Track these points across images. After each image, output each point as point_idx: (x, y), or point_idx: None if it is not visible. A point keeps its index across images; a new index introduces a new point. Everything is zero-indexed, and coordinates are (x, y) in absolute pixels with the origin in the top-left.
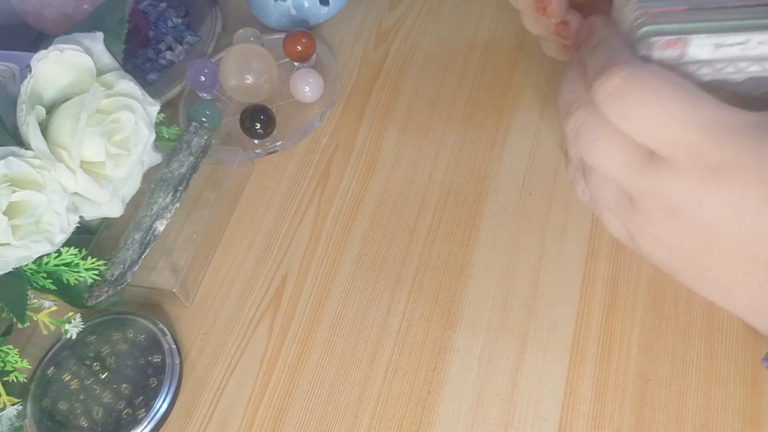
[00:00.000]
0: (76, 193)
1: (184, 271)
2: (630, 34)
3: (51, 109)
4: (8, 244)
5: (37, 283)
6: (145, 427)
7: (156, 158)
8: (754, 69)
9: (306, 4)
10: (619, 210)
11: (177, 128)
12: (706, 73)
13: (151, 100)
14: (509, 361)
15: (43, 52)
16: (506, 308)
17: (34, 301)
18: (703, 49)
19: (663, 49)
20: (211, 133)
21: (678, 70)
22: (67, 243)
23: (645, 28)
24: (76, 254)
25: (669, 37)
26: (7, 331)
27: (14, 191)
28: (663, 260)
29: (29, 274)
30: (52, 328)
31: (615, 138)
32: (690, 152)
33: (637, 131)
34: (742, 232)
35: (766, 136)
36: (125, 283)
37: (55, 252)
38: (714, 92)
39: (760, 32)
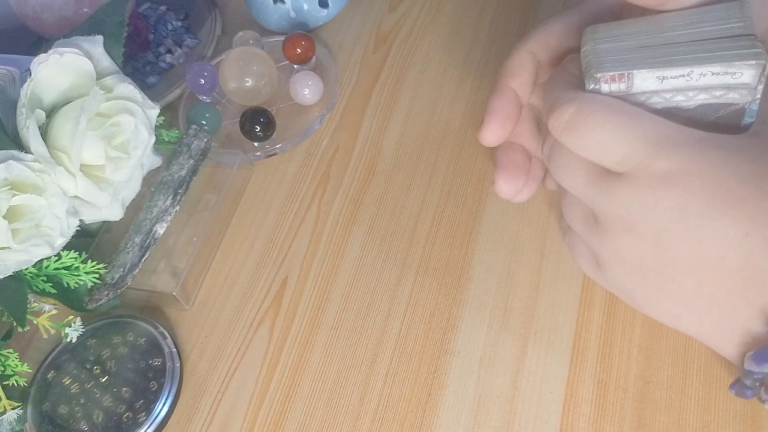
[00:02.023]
0: (76, 197)
1: (184, 274)
2: (584, 72)
3: (51, 112)
4: (8, 247)
5: (37, 287)
6: (146, 430)
7: (156, 161)
8: (703, 97)
9: (305, 7)
10: (587, 231)
11: (177, 131)
12: (657, 102)
13: (150, 103)
14: (510, 363)
15: (42, 55)
16: (507, 310)
17: (34, 304)
18: (648, 81)
19: (609, 84)
20: (211, 136)
21: (629, 100)
22: (67, 246)
23: (592, 70)
24: (76, 257)
25: (613, 73)
26: (7, 335)
27: (14, 195)
28: (625, 285)
29: (29, 278)
30: (52, 331)
31: (577, 161)
32: (638, 164)
33: (592, 155)
34: (690, 234)
35: (709, 149)
36: (125, 287)
37: (55, 255)
38: (669, 118)
39: (700, 65)
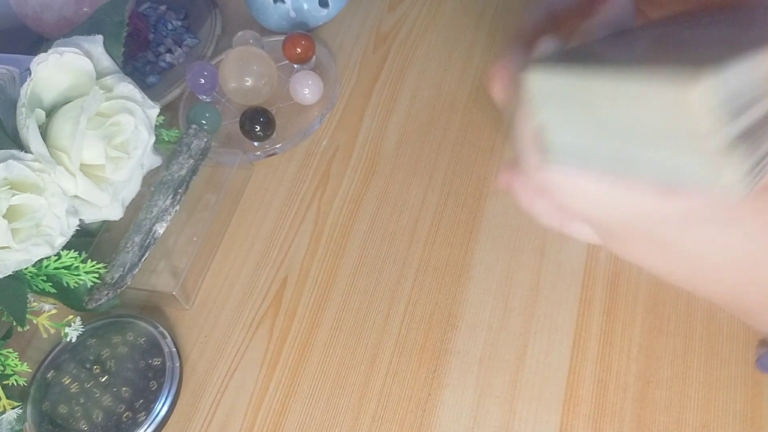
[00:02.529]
0: (75, 197)
1: (184, 273)
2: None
3: (51, 112)
4: (8, 247)
5: (37, 287)
6: (145, 430)
7: (156, 161)
8: None
9: (305, 6)
10: (601, 237)
11: (177, 131)
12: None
13: (150, 102)
14: (510, 362)
15: (42, 55)
16: (507, 310)
17: (34, 304)
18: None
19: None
20: (211, 136)
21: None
22: (67, 246)
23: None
24: (76, 257)
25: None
26: (7, 335)
27: (14, 194)
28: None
29: (29, 278)
30: (52, 331)
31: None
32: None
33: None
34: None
35: None
36: (125, 286)
37: (55, 255)
38: None
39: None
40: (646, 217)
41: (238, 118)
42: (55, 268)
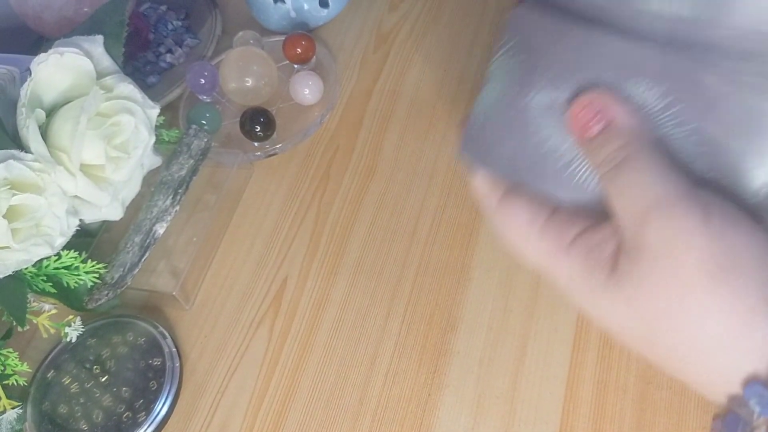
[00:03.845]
0: (75, 197)
1: (184, 274)
2: None
3: (51, 112)
4: (8, 247)
5: (37, 286)
6: (145, 430)
7: (156, 161)
8: None
9: (306, 7)
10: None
11: (177, 131)
12: None
13: (150, 102)
14: (510, 363)
15: (42, 55)
16: (507, 310)
17: (34, 304)
18: None
19: None
20: (211, 136)
21: None
22: (67, 246)
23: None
24: (76, 257)
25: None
26: (7, 335)
27: (14, 194)
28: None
29: (29, 278)
30: (52, 331)
31: None
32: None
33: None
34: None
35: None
36: (125, 286)
37: (55, 255)
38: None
39: None
40: (542, 271)
41: (239, 119)
42: (55, 268)
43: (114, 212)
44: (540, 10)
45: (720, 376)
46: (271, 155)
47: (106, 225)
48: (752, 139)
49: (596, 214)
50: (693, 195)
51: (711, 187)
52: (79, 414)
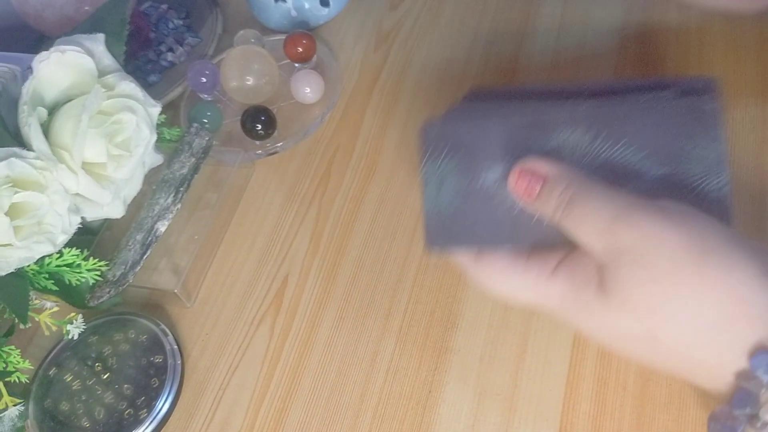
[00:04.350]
0: (77, 194)
1: (185, 271)
2: None
3: (52, 110)
4: (10, 244)
5: (39, 284)
6: (147, 427)
7: (157, 159)
8: None
9: (306, 6)
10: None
11: (178, 129)
12: None
13: (152, 101)
14: (510, 360)
15: (44, 53)
16: (507, 308)
17: (36, 301)
18: None
19: None
20: (212, 135)
21: None
22: (69, 244)
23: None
24: (77, 255)
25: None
26: (9, 332)
27: (16, 192)
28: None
29: (31, 275)
30: (54, 328)
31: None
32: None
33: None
34: None
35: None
36: (127, 284)
37: (56, 253)
38: None
39: None
40: (536, 304)
41: (240, 117)
42: (57, 266)
43: (115, 210)
44: (454, 120)
45: (725, 354)
46: (272, 154)
47: (107, 223)
48: (681, 127)
49: (570, 246)
50: (645, 202)
51: (666, 191)
52: (81, 411)
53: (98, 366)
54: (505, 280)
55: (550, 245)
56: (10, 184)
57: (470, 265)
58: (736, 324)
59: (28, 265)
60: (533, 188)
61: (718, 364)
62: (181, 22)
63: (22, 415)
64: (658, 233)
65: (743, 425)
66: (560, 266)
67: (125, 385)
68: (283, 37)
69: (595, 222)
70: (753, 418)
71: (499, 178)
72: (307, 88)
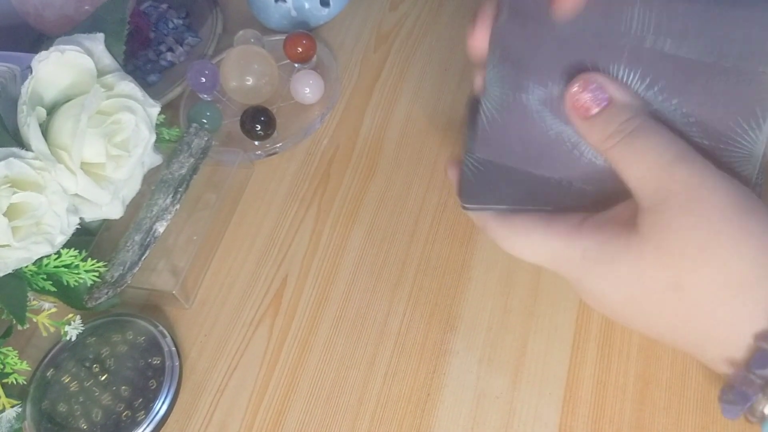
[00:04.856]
0: (76, 195)
1: (184, 272)
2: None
3: (51, 110)
4: (8, 245)
5: (37, 285)
6: (145, 429)
7: (156, 159)
8: None
9: (306, 6)
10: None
11: (177, 129)
12: None
13: (151, 101)
14: (509, 363)
15: (43, 53)
16: (506, 310)
17: (34, 302)
18: None
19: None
20: (212, 135)
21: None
22: (67, 244)
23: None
24: (76, 256)
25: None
26: (7, 333)
27: (14, 192)
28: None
29: (29, 276)
30: (52, 329)
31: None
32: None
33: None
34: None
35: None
36: (125, 285)
37: (55, 253)
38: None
39: None
40: (553, 260)
41: (239, 117)
42: (55, 267)
43: (114, 211)
44: (518, 23)
45: (747, 312)
46: (271, 154)
47: (106, 223)
48: (736, 104)
49: (594, 205)
50: (702, 155)
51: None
52: (79, 413)
53: (96, 367)
54: (524, 231)
55: (590, 183)
56: (9, 185)
57: (489, 219)
58: (764, 283)
59: (26, 266)
60: (591, 107)
61: (739, 322)
62: (180, 22)
63: (20, 417)
64: (713, 181)
65: (758, 393)
66: (587, 220)
67: (123, 387)
68: (282, 37)
69: (658, 157)
70: (767, 384)
71: (543, 99)
72: (307, 89)
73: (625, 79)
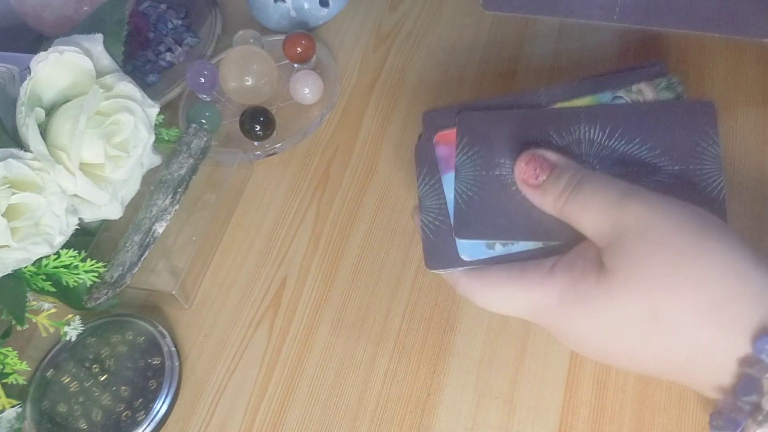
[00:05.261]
0: (75, 195)
1: (183, 273)
2: None
3: (50, 111)
4: (7, 246)
5: (37, 285)
6: (144, 429)
7: (155, 160)
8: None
9: (306, 6)
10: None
11: (176, 130)
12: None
13: (150, 101)
14: (509, 363)
15: (42, 53)
16: None
17: (34, 303)
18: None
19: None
20: (211, 135)
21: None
22: (67, 245)
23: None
24: (75, 256)
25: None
26: (6, 333)
27: (13, 193)
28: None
29: (28, 276)
30: (51, 330)
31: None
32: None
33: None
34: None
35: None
36: (124, 285)
37: (54, 254)
38: None
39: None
40: (533, 311)
41: (238, 118)
42: (55, 267)
43: (113, 211)
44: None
45: (727, 336)
46: (270, 154)
47: (105, 224)
48: (688, 129)
49: (570, 246)
50: (647, 188)
51: (680, 187)
52: (79, 413)
53: (96, 368)
54: (499, 285)
55: (561, 239)
56: (8, 185)
57: (461, 276)
58: (737, 301)
59: (26, 267)
60: (540, 174)
61: (721, 348)
62: (180, 22)
63: (20, 417)
64: (663, 208)
65: (747, 418)
66: (557, 265)
67: (123, 387)
68: (282, 37)
69: (605, 198)
70: (756, 410)
71: (511, 171)
72: (306, 89)
73: (588, 135)
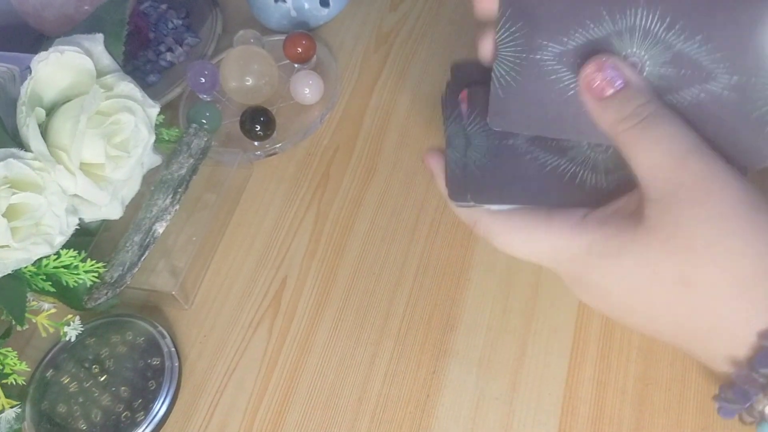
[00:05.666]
0: (75, 195)
1: (183, 273)
2: None
3: (51, 110)
4: (7, 246)
5: (36, 285)
6: (144, 429)
7: (156, 160)
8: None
9: (306, 6)
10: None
11: (177, 130)
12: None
13: (151, 101)
14: (509, 364)
15: (43, 53)
16: (506, 311)
17: (33, 303)
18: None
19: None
20: (211, 135)
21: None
22: (67, 245)
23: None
24: (75, 256)
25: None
26: (6, 334)
27: (14, 193)
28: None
29: (28, 276)
30: (51, 330)
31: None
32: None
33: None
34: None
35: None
36: (124, 286)
37: (54, 254)
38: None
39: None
40: (554, 257)
41: (239, 118)
42: (55, 267)
43: (113, 211)
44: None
45: (753, 309)
46: (271, 154)
47: (105, 224)
48: (763, 29)
49: (595, 204)
50: (715, 150)
51: (731, 103)
52: (78, 413)
53: (95, 368)
54: (524, 228)
55: (579, 205)
56: (8, 185)
57: (483, 215)
58: None
59: (26, 267)
60: (610, 86)
61: (745, 320)
62: (180, 22)
63: (19, 418)
64: (725, 178)
65: (759, 392)
66: (589, 217)
67: (122, 388)
68: (282, 37)
69: (672, 147)
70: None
71: (559, 56)
72: (307, 89)
73: (645, 23)
